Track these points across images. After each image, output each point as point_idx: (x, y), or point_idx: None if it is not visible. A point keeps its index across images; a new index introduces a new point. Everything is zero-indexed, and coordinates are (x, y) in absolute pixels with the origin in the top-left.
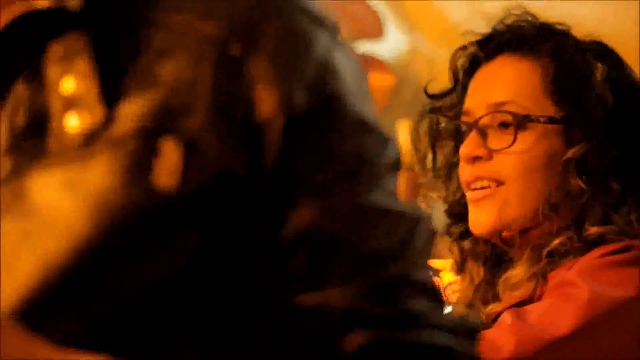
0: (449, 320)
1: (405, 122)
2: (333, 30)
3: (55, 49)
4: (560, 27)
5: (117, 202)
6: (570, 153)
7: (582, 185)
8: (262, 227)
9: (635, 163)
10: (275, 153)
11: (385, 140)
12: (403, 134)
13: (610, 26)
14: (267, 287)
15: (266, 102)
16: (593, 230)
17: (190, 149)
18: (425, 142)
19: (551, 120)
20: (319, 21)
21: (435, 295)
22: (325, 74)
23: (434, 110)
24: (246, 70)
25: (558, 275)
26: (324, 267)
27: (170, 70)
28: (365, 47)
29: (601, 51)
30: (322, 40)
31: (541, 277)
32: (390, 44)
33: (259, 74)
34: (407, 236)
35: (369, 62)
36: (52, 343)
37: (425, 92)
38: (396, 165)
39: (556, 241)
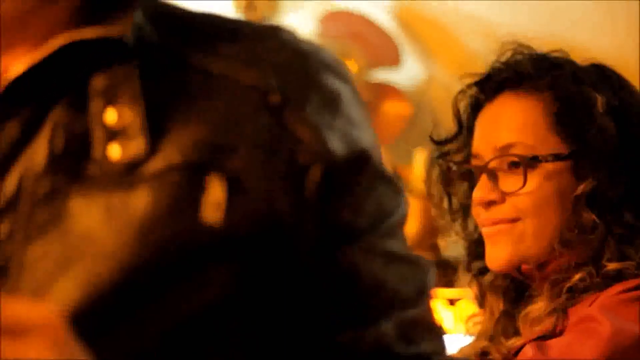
0: None
1: (422, 150)
2: (351, 81)
3: (101, 78)
4: (557, 55)
5: (160, 232)
6: (580, 188)
7: (595, 219)
8: (298, 265)
9: None
10: (314, 197)
11: (399, 193)
12: (420, 162)
13: (609, 49)
14: (302, 324)
15: (307, 149)
16: (612, 266)
17: (235, 187)
18: (439, 187)
19: (558, 157)
20: (342, 76)
21: (441, 337)
22: (355, 127)
23: (442, 156)
24: (286, 119)
25: (579, 311)
26: (359, 306)
27: (214, 109)
28: (382, 75)
29: (601, 77)
30: (347, 95)
31: (562, 312)
32: (407, 72)
33: (300, 124)
34: (422, 283)
35: (386, 90)
36: None
37: (431, 138)
38: (405, 217)
39: (576, 277)
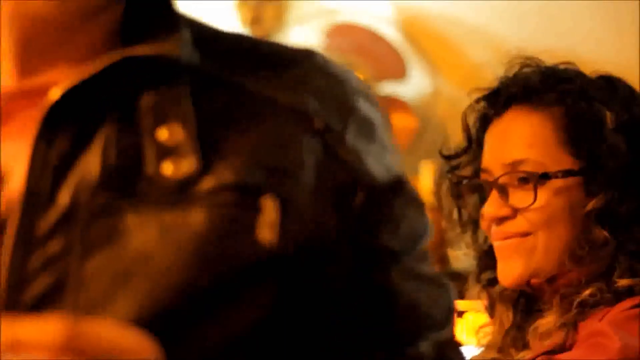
0: None
1: (428, 163)
2: (379, 106)
3: (151, 96)
4: (565, 67)
5: (215, 251)
6: (590, 205)
7: (606, 235)
8: (336, 284)
9: None
10: (357, 220)
11: (425, 216)
12: (426, 175)
13: (610, 58)
14: (339, 342)
15: (352, 174)
16: (622, 282)
17: (287, 208)
18: (449, 199)
19: (568, 173)
20: (373, 102)
21: (463, 354)
22: (388, 153)
23: (452, 170)
24: (330, 144)
25: (589, 326)
26: (397, 327)
27: (263, 131)
28: (388, 88)
29: (610, 90)
30: (379, 121)
31: (572, 326)
32: (413, 86)
33: (343, 149)
34: (449, 304)
35: (392, 104)
36: None
37: (441, 153)
38: (429, 238)
39: (586, 292)
